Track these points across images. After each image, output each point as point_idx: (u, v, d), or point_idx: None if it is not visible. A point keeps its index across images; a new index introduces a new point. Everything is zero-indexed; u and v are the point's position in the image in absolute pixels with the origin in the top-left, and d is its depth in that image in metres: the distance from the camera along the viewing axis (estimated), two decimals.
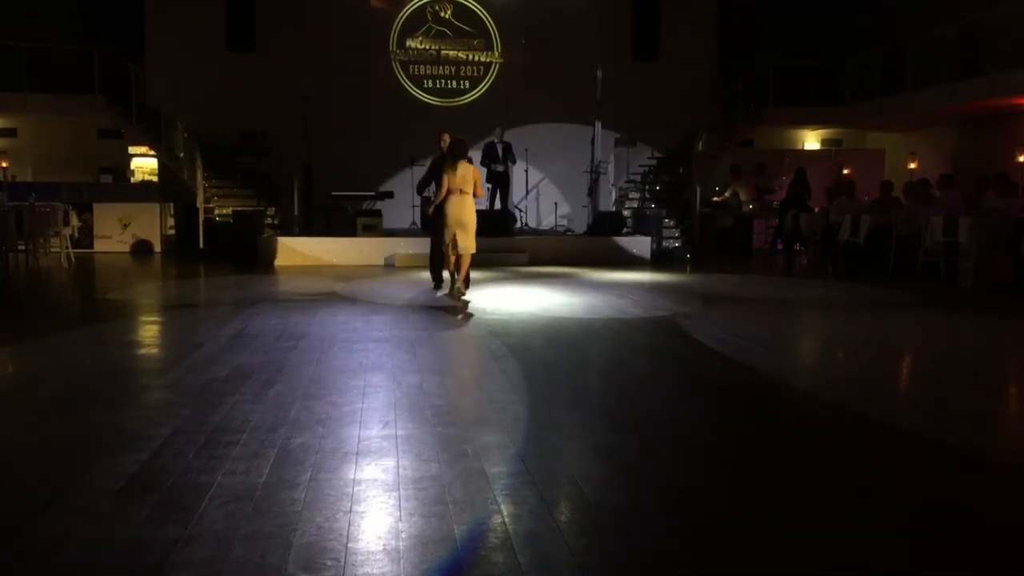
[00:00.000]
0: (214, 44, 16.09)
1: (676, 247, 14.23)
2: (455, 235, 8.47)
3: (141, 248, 14.75)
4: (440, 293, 9.08)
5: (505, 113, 15.13)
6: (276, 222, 15.18)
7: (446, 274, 9.10)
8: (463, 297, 8.55)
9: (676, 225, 15.39)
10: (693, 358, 5.98)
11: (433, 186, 9.11)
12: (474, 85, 17.19)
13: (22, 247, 11.62)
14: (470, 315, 7.70)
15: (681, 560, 2.64)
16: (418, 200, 14.61)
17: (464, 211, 8.49)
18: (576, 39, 16.14)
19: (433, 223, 9.10)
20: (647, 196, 16.17)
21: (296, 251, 12.59)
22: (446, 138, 9.04)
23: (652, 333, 7.00)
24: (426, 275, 9.71)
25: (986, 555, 2.74)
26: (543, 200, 15.77)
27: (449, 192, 8.49)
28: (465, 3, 17.01)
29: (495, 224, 12.68)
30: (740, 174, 16.15)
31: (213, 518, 2.82)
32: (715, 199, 16.59)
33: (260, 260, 12.47)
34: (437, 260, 9.30)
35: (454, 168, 8.48)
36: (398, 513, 2.90)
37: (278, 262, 12.43)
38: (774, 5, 17.04)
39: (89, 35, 14.99)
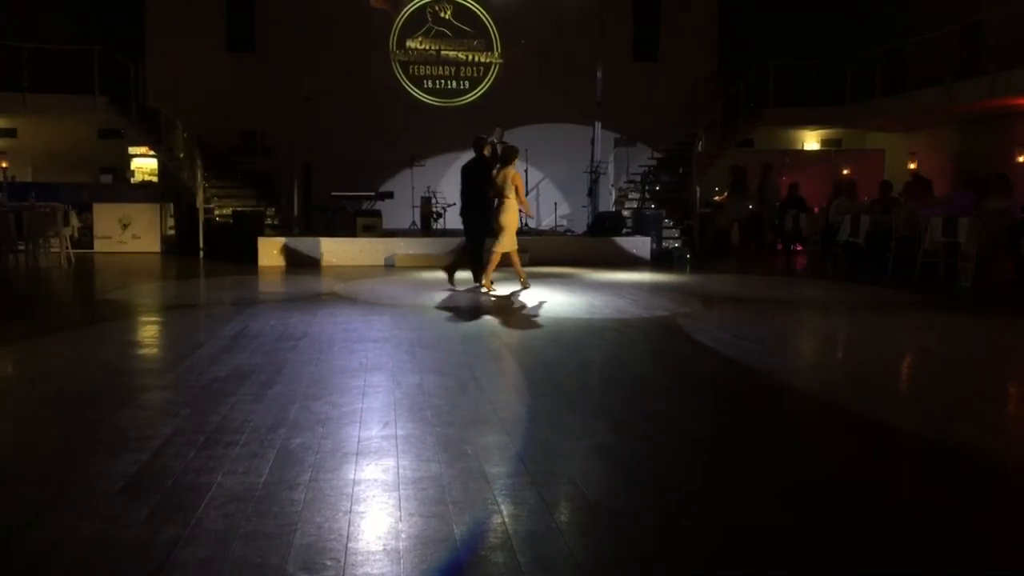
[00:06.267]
0: (214, 44, 16.10)
1: (676, 247, 14.22)
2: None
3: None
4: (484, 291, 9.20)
5: (505, 113, 15.13)
6: (276, 222, 15.18)
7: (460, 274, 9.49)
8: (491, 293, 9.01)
9: (676, 225, 15.40)
10: (693, 358, 5.98)
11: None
12: (474, 85, 17.20)
13: (22, 247, 11.61)
14: (472, 315, 7.71)
15: (681, 560, 2.64)
16: (418, 200, 14.64)
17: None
18: (576, 39, 16.16)
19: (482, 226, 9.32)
20: (647, 196, 16.17)
21: (296, 251, 12.59)
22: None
23: (652, 333, 7.00)
24: (425, 275, 9.70)
25: (986, 555, 2.74)
26: (543, 200, 15.76)
27: (507, 196, 8.95)
28: (465, 3, 17.02)
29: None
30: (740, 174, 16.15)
31: (213, 518, 2.82)
32: (715, 199, 16.59)
33: (260, 260, 12.46)
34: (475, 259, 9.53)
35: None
36: (398, 513, 2.90)
37: (277, 262, 12.42)
38: (774, 5, 17.05)
39: (89, 35, 14.99)
